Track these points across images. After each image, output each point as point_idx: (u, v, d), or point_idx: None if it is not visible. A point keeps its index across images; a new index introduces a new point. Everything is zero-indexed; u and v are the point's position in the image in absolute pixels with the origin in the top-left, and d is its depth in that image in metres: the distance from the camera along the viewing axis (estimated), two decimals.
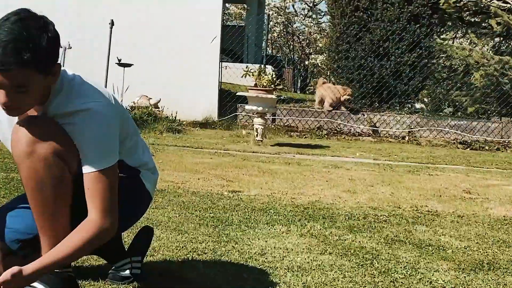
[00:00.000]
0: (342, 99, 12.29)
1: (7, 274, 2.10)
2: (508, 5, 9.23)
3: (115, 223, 2.31)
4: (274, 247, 3.47)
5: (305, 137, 11.38)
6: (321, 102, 12.59)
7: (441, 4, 13.19)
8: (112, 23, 11.64)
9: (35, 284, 2.31)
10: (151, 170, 2.62)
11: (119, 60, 11.29)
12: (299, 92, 23.39)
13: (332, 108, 12.35)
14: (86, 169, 2.26)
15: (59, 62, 2.23)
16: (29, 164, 2.21)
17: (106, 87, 10.94)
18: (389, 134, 12.11)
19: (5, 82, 2.10)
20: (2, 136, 2.44)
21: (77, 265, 2.84)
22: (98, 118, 2.26)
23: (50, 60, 2.18)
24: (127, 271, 2.71)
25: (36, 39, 2.12)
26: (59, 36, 2.22)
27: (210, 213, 4.29)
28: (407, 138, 11.90)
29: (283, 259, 3.26)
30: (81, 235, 2.24)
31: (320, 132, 11.82)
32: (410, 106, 13.20)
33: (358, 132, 12.19)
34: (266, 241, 3.59)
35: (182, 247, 3.34)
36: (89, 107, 2.26)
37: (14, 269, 2.11)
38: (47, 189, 2.24)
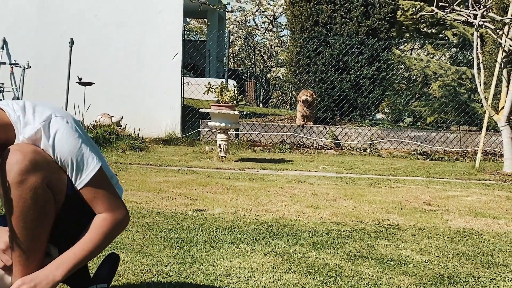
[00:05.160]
0: (300, 99, 12.33)
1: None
2: (463, 17, 9.42)
3: (126, 212, 2.45)
4: (239, 267, 3.51)
5: (269, 152, 11.44)
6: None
7: (398, 17, 13.44)
8: (72, 42, 11.61)
9: None
10: (117, 185, 2.66)
11: (80, 79, 11.26)
12: (261, 105, 23.49)
13: (304, 121, 12.42)
14: (79, 185, 2.34)
15: None
16: (19, 193, 2.23)
17: (67, 106, 10.92)
18: (351, 147, 12.24)
19: None
20: None
21: None
22: (64, 130, 2.31)
23: None
24: None
25: None
26: None
27: (174, 233, 4.31)
28: (368, 150, 12.03)
29: (248, 279, 3.29)
30: (98, 231, 2.36)
31: (283, 146, 11.90)
32: (371, 118, 13.36)
33: (321, 145, 12.30)
34: (231, 261, 3.63)
35: (147, 270, 3.36)
36: (51, 123, 2.31)
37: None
38: (32, 218, 2.27)
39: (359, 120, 13.11)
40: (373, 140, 12.29)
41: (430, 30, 16.06)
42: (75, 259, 2.35)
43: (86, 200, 2.37)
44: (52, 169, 2.30)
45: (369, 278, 3.42)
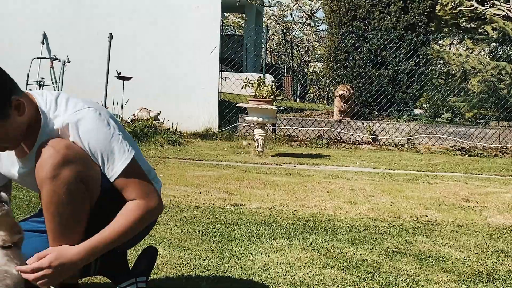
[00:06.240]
0: (338, 94, 12.29)
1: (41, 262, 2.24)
2: (503, 12, 9.30)
3: (160, 201, 2.44)
4: (277, 262, 3.52)
5: (306, 147, 11.44)
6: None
7: (437, 12, 13.31)
8: (111, 37, 11.72)
9: None
10: (155, 179, 2.68)
11: (118, 74, 11.37)
12: (298, 100, 23.46)
13: (341, 117, 12.39)
14: (112, 177, 2.36)
15: (23, 93, 2.29)
16: (53, 188, 2.26)
17: (105, 100, 11.04)
18: (388, 142, 12.17)
19: None
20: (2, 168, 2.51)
21: (82, 286, 2.89)
22: (96, 121, 2.33)
23: None
24: None
25: None
26: (1, 73, 2.24)
27: (212, 228, 4.34)
28: (406, 145, 11.95)
29: (285, 274, 3.31)
30: (126, 216, 2.35)
31: (321, 141, 11.88)
32: (409, 113, 13.25)
33: (358, 140, 12.24)
34: (268, 256, 3.64)
35: (185, 264, 3.39)
36: (83, 114, 2.33)
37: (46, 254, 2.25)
38: (67, 212, 2.30)
39: (397, 115, 13.02)
40: (411, 136, 12.20)
41: (469, 25, 15.86)
42: (103, 242, 2.33)
43: (119, 190, 2.38)
44: (85, 163, 2.32)
45: (407, 275, 3.41)
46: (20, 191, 5.05)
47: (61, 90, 11.23)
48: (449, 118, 13.86)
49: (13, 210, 2.46)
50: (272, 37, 30.16)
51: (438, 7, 13.60)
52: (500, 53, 14.72)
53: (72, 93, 2.49)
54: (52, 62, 11.67)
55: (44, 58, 11.75)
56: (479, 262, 3.73)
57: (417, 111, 14.11)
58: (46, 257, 2.27)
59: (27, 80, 11.22)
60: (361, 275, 3.36)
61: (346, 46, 13.24)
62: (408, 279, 3.32)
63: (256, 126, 9.53)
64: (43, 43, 12.20)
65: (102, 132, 2.33)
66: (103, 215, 2.37)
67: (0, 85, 2.20)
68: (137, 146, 2.62)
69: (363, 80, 13.09)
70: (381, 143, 12.19)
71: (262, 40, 19.64)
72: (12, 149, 2.36)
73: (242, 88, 9.80)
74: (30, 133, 2.33)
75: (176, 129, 11.40)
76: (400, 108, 13.14)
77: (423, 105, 15.20)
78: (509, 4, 9.19)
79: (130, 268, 2.86)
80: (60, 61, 11.60)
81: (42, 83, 11.18)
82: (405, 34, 12.98)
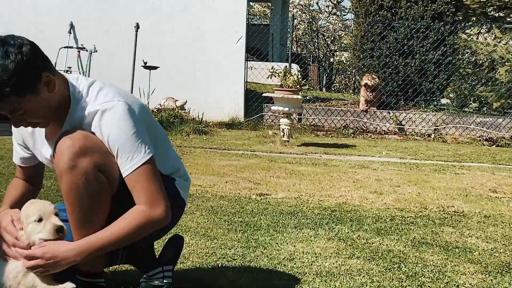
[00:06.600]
0: (364, 83, 12.25)
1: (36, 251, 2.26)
2: None
3: (165, 213, 2.36)
4: (303, 252, 3.52)
5: (331, 136, 11.41)
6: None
7: (465, 1, 13.15)
8: (137, 26, 11.77)
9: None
10: (183, 177, 2.68)
11: (145, 63, 11.42)
12: (324, 90, 23.39)
13: (367, 106, 12.35)
14: (126, 172, 2.33)
15: (51, 72, 2.30)
16: (71, 178, 2.28)
17: (132, 89, 11.09)
18: (415, 132, 12.09)
19: (3, 112, 2.24)
20: (31, 145, 2.55)
21: (109, 275, 2.92)
22: (121, 115, 2.32)
23: (27, 81, 2.22)
24: (159, 280, 2.78)
25: (5, 70, 2.17)
26: (34, 49, 2.25)
27: (238, 217, 4.35)
28: (433, 135, 11.87)
29: (311, 264, 3.31)
30: (127, 221, 2.31)
31: (346, 131, 11.85)
32: (435, 103, 13.15)
33: (384, 130, 12.19)
34: (294, 246, 3.65)
35: (212, 253, 3.41)
36: (110, 106, 2.33)
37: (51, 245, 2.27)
38: (86, 203, 2.31)
39: (423, 105, 12.94)
40: (437, 126, 12.11)
41: (497, 14, 15.66)
42: (100, 243, 2.31)
43: (131, 192, 2.35)
44: (103, 154, 2.32)
45: (434, 265, 3.39)
46: (48, 180, 5.11)
47: None
48: (477, 108, 13.73)
49: (41, 199, 2.48)
50: (298, 27, 30.09)
51: None
52: None
53: None
54: (79, 51, 11.74)
55: (71, 47, 11.84)
56: (506, 253, 3.71)
57: (444, 101, 13.98)
58: (40, 248, 2.29)
59: None
60: (387, 265, 3.35)
61: (372, 36, 13.17)
62: (434, 270, 3.30)
63: (282, 115, 9.52)
64: (70, 33, 12.29)
65: (123, 128, 2.31)
66: (122, 208, 2.37)
67: (32, 60, 2.22)
68: (168, 143, 2.61)
69: (390, 69, 13.02)
70: (407, 133, 12.12)
71: (288, 30, 19.60)
72: (43, 126, 2.38)
73: (268, 77, 9.80)
74: (59, 115, 2.35)
75: (202, 119, 11.43)
76: (426, 98, 13.05)
77: (450, 95, 15.06)
78: None
79: (157, 256, 2.88)
80: (87, 50, 11.68)
81: (69, 72, 11.26)
82: (432, 23, 12.87)
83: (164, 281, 2.78)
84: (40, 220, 2.32)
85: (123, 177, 2.34)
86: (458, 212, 4.91)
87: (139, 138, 2.33)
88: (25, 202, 2.39)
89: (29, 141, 2.53)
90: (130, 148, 2.32)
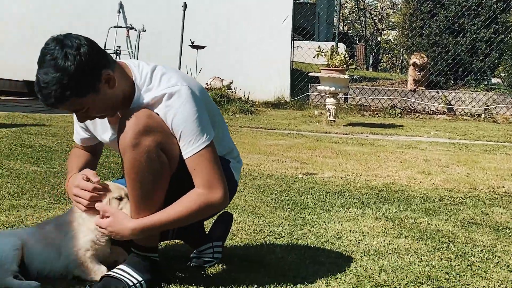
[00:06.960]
0: (412, 62, 12.11)
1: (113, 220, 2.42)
2: None
3: (224, 197, 2.41)
4: (350, 231, 3.52)
5: (378, 116, 11.32)
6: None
7: None
8: (185, 6, 11.80)
9: (122, 266, 2.44)
10: (237, 159, 2.71)
11: (192, 43, 11.46)
12: (371, 69, 23.19)
13: (415, 86, 12.20)
14: (187, 154, 2.37)
15: (116, 62, 2.38)
16: (134, 156, 2.33)
17: (180, 68, 11.14)
18: (464, 112, 11.91)
19: (67, 110, 2.33)
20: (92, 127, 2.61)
21: (161, 250, 2.96)
22: (185, 99, 2.36)
23: (87, 82, 2.26)
24: (209, 256, 2.82)
25: (65, 73, 2.21)
26: (92, 48, 2.28)
27: (285, 196, 4.36)
28: (483, 115, 11.68)
29: (359, 242, 3.30)
30: (187, 204, 2.37)
31: (394, 111, 11.73)
32: (486, 83, 12.91)
33: (433, 110, 12.03)
34: (341, 225, 3.64)
35: (260, 230, 3.43)
36: (174, 90, 2.36)
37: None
38: (147, 180, 2.36)
39: (473, 84, 12.71)
40: (488, 105, 11.91)
41: None
42: (157, 224, 2.38)
43: (191, 174, 2.39)
44: (166, 134, 2.36)
45: (483, 246, 3.35)
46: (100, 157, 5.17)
47: (137, 59, 11.40)
48: None
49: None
50: (345, 5, 29.82)
51: None
52: None
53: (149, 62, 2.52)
54: (128, 31, 11.83)
55: (121, 27, 11.93)
56: None
57: (495, 80, 13.70)
58: (105, 220, 2.43)
59: (104, 49, 11.42)
60: (436, 245, 3.32)
61: (422, 14, 12.97)
62: (484, 250, 3.27)
63: (328, 95, 9.48)
64: (119, 12, 12.38)
65: (187, 112, 2.35)
66: (181, 186, 2.41)
67: (91, 60, 2.25)
68: (224, 125, 2.65)
69: (439, 48, 12.81)
70: (456, 113, 11.95)
71: (335, 8, 19.44)
72: (110, 116, 2.46)
73: (314, 57, 9.75)
74: (125, 103, 2.40)
75: (248, 98, 11.44)
76: (477, 77, 12.81)
77: (501, 74, 14.75)
78: None
79: (206, 233, 2.92)
80: (136, 30, 11.75)
81: (118, 51, 11.36)
82: (484, 0, 12.60)
83: (214, 255, 2.83)
84: (120, 198, 2.48)
85: (184, 159, 2.39)
86: (508, 193, 4.84)
87: (202, 122, 2.37)
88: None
89: (90, 125, 2.61)
90: (193, 132, 2.36)
